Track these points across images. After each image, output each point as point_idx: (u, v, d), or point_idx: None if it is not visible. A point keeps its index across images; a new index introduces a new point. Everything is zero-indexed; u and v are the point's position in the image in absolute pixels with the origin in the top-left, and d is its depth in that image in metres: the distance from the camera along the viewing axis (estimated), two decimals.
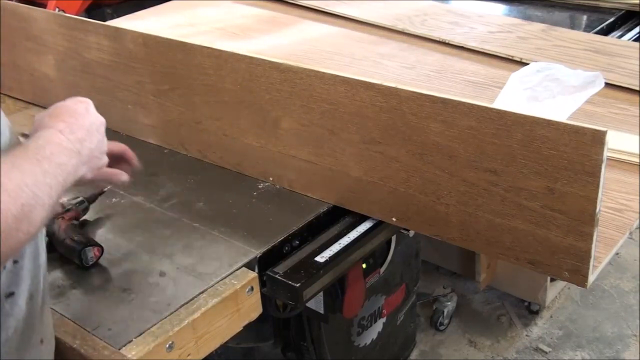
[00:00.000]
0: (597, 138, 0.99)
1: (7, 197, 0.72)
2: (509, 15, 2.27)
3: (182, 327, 1.10)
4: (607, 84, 1.67)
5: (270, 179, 1.48)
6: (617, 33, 2.12)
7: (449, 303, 2.52)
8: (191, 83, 1.50)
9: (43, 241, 0.96)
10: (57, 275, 1.24)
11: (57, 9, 2.48)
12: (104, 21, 1.80)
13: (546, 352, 2.40)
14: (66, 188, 0.86)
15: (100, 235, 1.35)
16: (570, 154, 1.02)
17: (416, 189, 1.24)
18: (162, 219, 1.39)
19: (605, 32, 2.10)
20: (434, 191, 1.21)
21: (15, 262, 0.88)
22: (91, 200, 1.39)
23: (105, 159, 1.02)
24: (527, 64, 1.77)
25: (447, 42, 1.99)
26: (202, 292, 1.17)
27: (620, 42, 2.00)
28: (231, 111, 1.46)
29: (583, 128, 1.00)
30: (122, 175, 1.13)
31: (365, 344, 1.92)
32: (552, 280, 2.45)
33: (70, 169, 0.87)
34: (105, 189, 1.42)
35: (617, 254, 2.73)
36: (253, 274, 1.23)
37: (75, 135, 0.91)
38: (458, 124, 1.13)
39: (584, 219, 1.05)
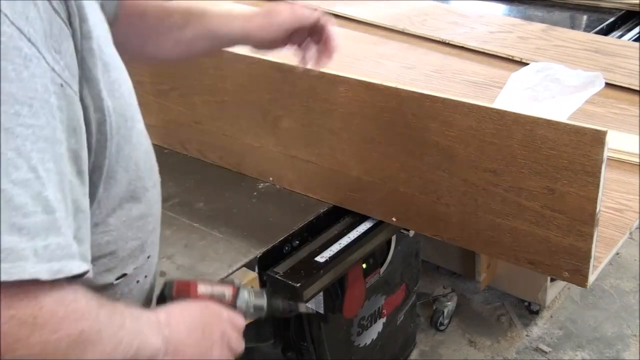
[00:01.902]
0: (597, 138, 0.99)
1: (72, 317, 0.66)
2: (509, 15, 2.27)
3: None
4: (607, 84, 1.67)
5: (270, 179, 1.48)
6: (617, 33, 2.12)
7: (449, 303, 2.52)
8: (191, 83, 1.50)
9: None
10: None
11: None
12: None
13: (546, 352, 2.40)
14: None
15: None
16: (571, 154, 1.02)
17: (416, 189, 1.23)
18: (162, 219, 1.38)
19: (605, 32, 2.10)
20: (434, 191, 1.21)
21: (145, 276, 0.90)
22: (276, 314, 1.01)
23: None
24: (527, 64, 1.77)
25: (447, 42, 1.99)
26: None
27: (620, 42, 2.00)
28: (231, 111, 1.46)
29: (583, 128, 1.00)
30: None
31: (365, 344, 1.92)
32: (552, 280, 2.45)
33: (148, 347, 0.76)
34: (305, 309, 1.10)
35: (617, 254, 2.73)
36: (253, 274, 1.23)
37: (172, 323, 0.82)
38: (458, 124, 1.13)
39: (584, 219, 1.05)
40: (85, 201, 0.72)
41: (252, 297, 0.97)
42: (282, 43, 1.12)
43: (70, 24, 0.69)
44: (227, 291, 0.95)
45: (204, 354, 0.85)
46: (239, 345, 0.91)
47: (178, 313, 0.85)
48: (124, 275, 0.85)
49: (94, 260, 0.80)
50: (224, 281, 0.99)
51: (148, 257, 0.90)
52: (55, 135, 0.65)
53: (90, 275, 0.69)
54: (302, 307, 1.07)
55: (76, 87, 0.69)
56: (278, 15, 1.09)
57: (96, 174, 0.77)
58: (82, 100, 0.71)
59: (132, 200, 0.84)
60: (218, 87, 1.45)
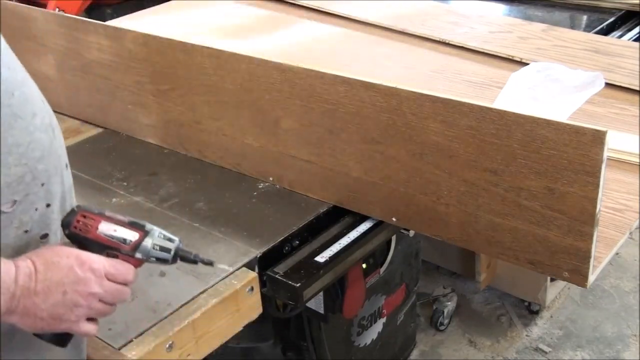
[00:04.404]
0: (597, 138, 0.99)
1: None
2: (509, 15, 2.27)
3: (182, 327, 1.10)
4: (607, 84, 1.67)
5: (270, 179, 1.48)
6: (617, 33, 2.12)
7: (449, 303, 2.52)
8: (191, 83, 1.50)
9: (72, 190, 0.98)
10: None
11: (57, 9, 2.48)
12: (104, 21, 1.80)
13: (546, 352, 2.40)
14: None
15: None
16: (571, 154, 1.02)
17: (416, 189, 1.23)
18: (162, 219, 1.39)
19: (605, 32, 2.10)
20: (434, 191, 1.21)
21: (47, 205, 0.92)
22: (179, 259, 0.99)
23: (72, 319, 0.88)
24: (527, 64, 1.77)
25: (447, 42, 1.99)
26: (202, 292, 1.17)
27: (620, 42, 2.00)
28: (231, 111, 1.46)
29: (583, 128, 1.00)
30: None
31: (366, 344, 1.92)
32: (552, 280, 2.45)
33: None
34: (207, 262, 1.02)
35: (617, 254, 2.73)
36: (253, 274, 1.23)
37: (31, 284, 0.84)
38: (458, 124, 1.13)
39: (584, 219, 1.05)
40: None
41: (157, 249, 0.94)
42: None
43: None
44: (131, 236, 0.93)
45: (61, 316, 0.86)
46: (108, 308, 0.90)
47: (44, 269, 0.84)
48: (15, 201, 0.87)
49: None
50: (134, 223, 0.94)
51: (42, 185, 0.91)
52: None
53: None
54: (218, 266, 1.04)
55: None
56: None
57: None
58: None
59: (5, 128, 0.85)
60: (218, 87, 1.45)
